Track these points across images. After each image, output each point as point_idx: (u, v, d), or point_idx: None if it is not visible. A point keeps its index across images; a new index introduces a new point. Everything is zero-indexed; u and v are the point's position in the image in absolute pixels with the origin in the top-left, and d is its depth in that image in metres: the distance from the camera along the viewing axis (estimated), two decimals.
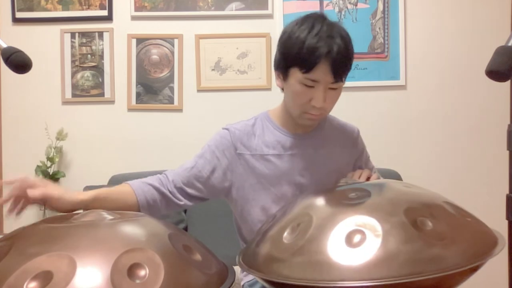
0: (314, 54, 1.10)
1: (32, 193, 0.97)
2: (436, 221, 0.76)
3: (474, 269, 0.72)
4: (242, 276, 1.37)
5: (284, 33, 1.18)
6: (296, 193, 1.23)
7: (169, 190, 1.20)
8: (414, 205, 0.80)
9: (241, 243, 1.36)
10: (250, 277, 1.32)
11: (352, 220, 0.76)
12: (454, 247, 0.73)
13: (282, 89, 1.25)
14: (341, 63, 1.12)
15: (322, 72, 1.11)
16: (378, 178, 1.20)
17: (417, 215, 0.77)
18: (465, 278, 0.74)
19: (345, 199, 0.85)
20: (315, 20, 1.14)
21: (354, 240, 0.73)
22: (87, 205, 1.02)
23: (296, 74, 1.14)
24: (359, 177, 1.17)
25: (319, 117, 1.21)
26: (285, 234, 0.82)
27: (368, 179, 1.17)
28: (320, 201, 0.89)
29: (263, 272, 0.79)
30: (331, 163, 1.27)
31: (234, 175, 1.25)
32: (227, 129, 1.28)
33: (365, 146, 1.40)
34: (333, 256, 0.72)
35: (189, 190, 1.22)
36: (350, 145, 1.34)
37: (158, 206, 1.18)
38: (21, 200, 1.01)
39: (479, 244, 0.76)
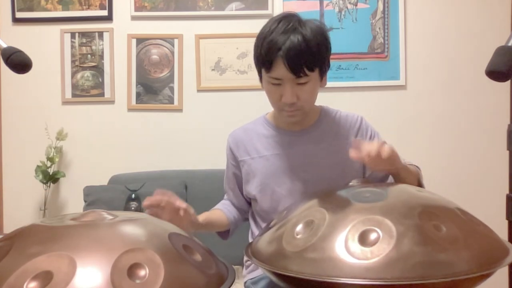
0: (269, 52, 1.11)
1: (180, 203, 1.10)
2: (450, 226, 0.77)
3: (485, 276, 0.73)
4: (245, 273, 1.38)
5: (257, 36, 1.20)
6: (302, 189, 1.24)
7: (238, 207, 1.41)
8: (428, 209, 0.80)
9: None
10: (254, 274, 1.33)
11: (367, 220, 0.77)
12: (467, 253, 0.73)
13: None
14: (295, 58, 1.09)
15: (280, 69, 1.11)
16: (391, 149, 1.05)
17: (431, 219, 0.77)
18: (476, 284, 0.74)
19: (359, 199, 0.85)
20: (278, 19, 1.14)
21: (368, 239, 0.74)
22: (203, 226, 1.22)
23: (264, 74, 1.17)
24: (369, 152, 1.01)
25: (297, 113, 1.20)
26: (297, 229, 0.83)
27: (379, 155, 1.02)
28: (333, 199, 0.89)
29: (273, 266, 0.80)
30: (334, 156, 1.26)
31: (241, 172, 1.35)
32: (228, 139, 1.37)
33: (377, 133, 1.34)
34: (346, 253, 0.73)
35: (245, 199, 1.40)
36: (354, 134, 1.31)
37: (239, 218, 1.39)
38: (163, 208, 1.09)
39: (491, 252, 0.77)
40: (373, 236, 0.74)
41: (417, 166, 1.32)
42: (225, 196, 1.44)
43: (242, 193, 1.37)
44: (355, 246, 0.73)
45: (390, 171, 1.15)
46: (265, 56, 1.12)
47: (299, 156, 1.26)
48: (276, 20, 1.14)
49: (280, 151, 1.27)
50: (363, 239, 0.74)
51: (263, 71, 1.17)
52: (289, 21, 1.12)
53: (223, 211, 1.35)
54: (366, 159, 1.03)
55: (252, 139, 1.31)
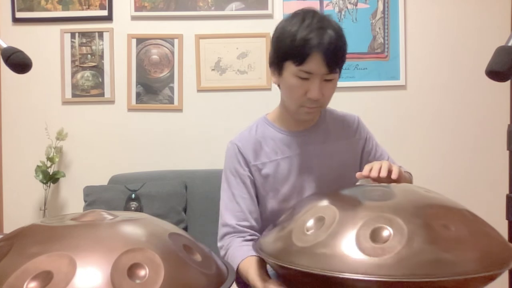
0: (306, 46, 1.10)
1: None
2: (458, 227, 0.78)
3: (493, 277, 0.74)
4: None
5: (276, 29, 1.19)
6: (308, 189, 1.24)
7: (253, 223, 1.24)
8: (437, 209, 0.81)
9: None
10: None
11: (378, 217, 0.77)
12: (474, 253, 0.74)
13: (279, 85, 1.25)
14: (333, 53, 1.11)
15: (315, 63, 1.11)
16: (400, 171, 1.06)
17: (441, 219, 0.78)
18: (484, 284, 0.75)
19: (369, 197, 0.86)
20: (306, 13, 1.15)
21: (379, 237, 0.75)
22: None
23: (290, 68, 1.15)
24: (379, 171, 1.03)
25: (316, 110, 1.21)
26: (308, 225, 0.83)
27: (390, 172, 1.04)
28: (342, 197, 0.90)
29: (282, 261, 0.80)
30: (337, 155, 1.26)
31: (254, 178, 1.26)
32: (235, 144, 1.27)
33: (371, 133, 1.37)
34: (357, 250, 0.73)
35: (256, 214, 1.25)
36: (353, 134, 1.32)
37: None
38: None
39: (498, 254, 0.77)
40: (385, 233, 0.75)
41: (409, 173, 1.34)
42: (227, 227, 1.22)
43: (257, 198, 1.26)
44: (367, 242, 0.74)
45: None
46: (301, 48, 1.11)
47: (305, 157, 1.25)
48: (307, 15, 1.14)
49: (289, 153, 1.26)
50: (374, 236, 0.75)
51: (290, 64, 1.14)
52: (322, 18, 1.14)
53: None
54: (375, 179, 1.04)
55: (260, 143, 1.28)
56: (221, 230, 1.23)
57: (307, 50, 1.10)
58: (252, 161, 1.25)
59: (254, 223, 1.22)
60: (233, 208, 1.23)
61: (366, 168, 1.05)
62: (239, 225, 1.21)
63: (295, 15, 1.17)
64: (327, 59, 1.11)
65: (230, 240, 1.19)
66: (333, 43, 1.11)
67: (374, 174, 1.03)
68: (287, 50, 1.14)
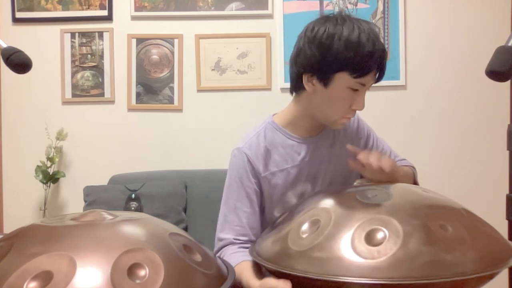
0: (371, 59, 1.06)
1: None
2: (456, 227, 0.77)
3: (490, 276, 0.73)
4: None
5: (319, 35, 1.09)
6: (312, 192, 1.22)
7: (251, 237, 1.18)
8: (435, 209, 0.81)
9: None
10: None
11: (373, 219, 0.77)
12: (473, 253, 0.74)
13: (292, 92, 1.21)
14: (384, 65, 1.12)
15: (372, 76, 1.10)
16: (393, 162, 1.07)
17: (437, 219, 0.78)
18: (482, 284, 0.75)
19: (366, 198, 0.85)
20: (353, 19, 1.10)
21: (374, 239, 0.74)
22: None
23: (345, 79, 1.08)
24: (368, 159, 1.03)
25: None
26: (303, 229, 0.83)
27: (384, 173, 1.04)
28: (339, 198, 0.89)
29: (278, 265, 0.80)
30: (343, 158, 1.22)
31: (261, 190, 1.21)
32: (244, 152, 1.19)
33: (370, 128, 1.35)
34: (352, 253, 0.73)
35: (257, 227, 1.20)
36: (355, 134, 1.30)
37: None
38: None
39: (496, 253, 0.77)
40: (379, 235, 0.74)
41: (412, 166, 1.32)
42: (224, 241, 1.17)
43: (260, 212, 1.21)
44: (362, 245, 0.74)
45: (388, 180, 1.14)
46: (365, 62, 1.06)
47: (314, 163, 1.22)
48: (358, 22, 1.09)
49: (298, 161, 1.21)
50: (369, 238, 0.74)
51: (345, 75, 1.07)
52: (372, 28, 1.10)
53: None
54: (367, 171, 1.04)
55: (269, 151, 1.21)
56: (218, 244, 1.18)
57: (372, 63, 1.07)
58: (262, 172, 1.18)
59: (253, 238, 1.16)
60: (233, 221, 1.17)
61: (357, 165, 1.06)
62: (236, 239, 1.15)
63: (343, 20, 1.09)
64: (380, 72, 1.11)
65: (225, 248, 1.16)
66: (385, 55, 1.11)
67: (363, 158, 1.03)
68: (348, 61, 1.06)
